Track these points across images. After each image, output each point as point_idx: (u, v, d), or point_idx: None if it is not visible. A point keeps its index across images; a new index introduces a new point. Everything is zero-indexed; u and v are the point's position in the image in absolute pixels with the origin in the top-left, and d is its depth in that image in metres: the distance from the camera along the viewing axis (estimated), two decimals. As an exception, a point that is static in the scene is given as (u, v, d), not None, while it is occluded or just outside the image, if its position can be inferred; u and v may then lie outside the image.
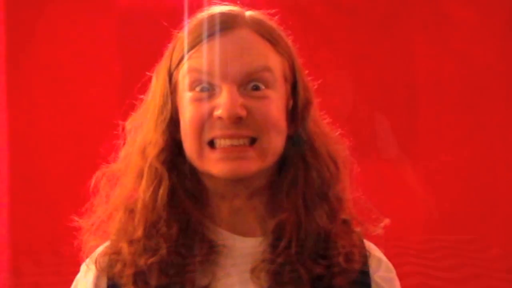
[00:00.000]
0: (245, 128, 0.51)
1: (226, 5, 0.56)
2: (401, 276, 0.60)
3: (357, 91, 2.54)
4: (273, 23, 0.57)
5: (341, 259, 0.51)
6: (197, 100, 0.51)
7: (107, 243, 0.56)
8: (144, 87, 0.60)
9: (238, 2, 0.58)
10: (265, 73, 0.51)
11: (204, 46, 0.52)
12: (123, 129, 0.59)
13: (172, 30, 0.57)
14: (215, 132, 0.51)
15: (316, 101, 0.58)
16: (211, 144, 0.52)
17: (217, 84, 0.50)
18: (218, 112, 0.50)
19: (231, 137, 0.50)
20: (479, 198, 2.79)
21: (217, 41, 0.50)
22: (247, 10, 0.56)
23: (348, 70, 2.50)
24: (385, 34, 2.80)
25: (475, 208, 2.83)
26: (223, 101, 0.50)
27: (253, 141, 0.52)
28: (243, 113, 0.50)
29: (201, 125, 0.51)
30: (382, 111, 2.72)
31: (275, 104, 0.52)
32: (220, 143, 0.51)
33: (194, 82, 0.52)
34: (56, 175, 2.69)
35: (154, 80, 0.57)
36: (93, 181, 0.57)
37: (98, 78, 3.07)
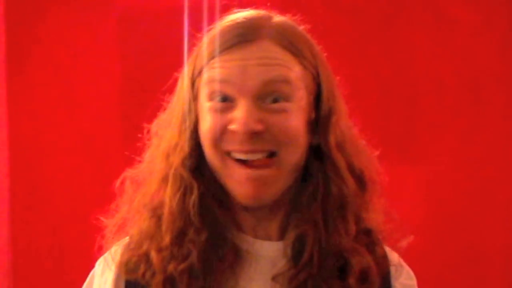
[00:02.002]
0: (262, 143, 0.51)
1: (252, 9, 0.56)
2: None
3: (356, 92, 2.53)
4: (299, 31, 0.56)
5: (353, 280, 0.51)
6: (215, 111, 0.51)
7: (123, 241, 0.56)
8: (169, 88, 0.59)
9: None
10: (284, 85, 0.50)
11: (224, 57, 0.51)
12: (148, 131, 0.59)
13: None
14: (231, 145, 0.51)
15: (345, 110, 0.57)
16: (229, 155, 0.52)
17: (235, 96, 0.50)
18: (233, 126, 0.50)
19: (246, 152, 0.50)
20: (479, 198, 2.79)
21: (236, 53, 0.50)
22: (273, 15, 0.56)
23: (347, 70, 2.49)
24: (386, 34, 2.80)
25: (475, 208, 2.82)
26: (239, 115, 0.49)
27: (271, 155, 0.51)
28: (258, 127, 0.50)
29: (219, 136, 0.51)
30: (381, 111, 2.72)
31: (294, 118, 0.51)
32: (235, 156, 0.51)
33: (213, 93, 0.52)
34: (56, 175, 2.68)
35: (179, 84, 0.58)
36: (118, 182, 0.57)
37: (98, 79, 3.06)
